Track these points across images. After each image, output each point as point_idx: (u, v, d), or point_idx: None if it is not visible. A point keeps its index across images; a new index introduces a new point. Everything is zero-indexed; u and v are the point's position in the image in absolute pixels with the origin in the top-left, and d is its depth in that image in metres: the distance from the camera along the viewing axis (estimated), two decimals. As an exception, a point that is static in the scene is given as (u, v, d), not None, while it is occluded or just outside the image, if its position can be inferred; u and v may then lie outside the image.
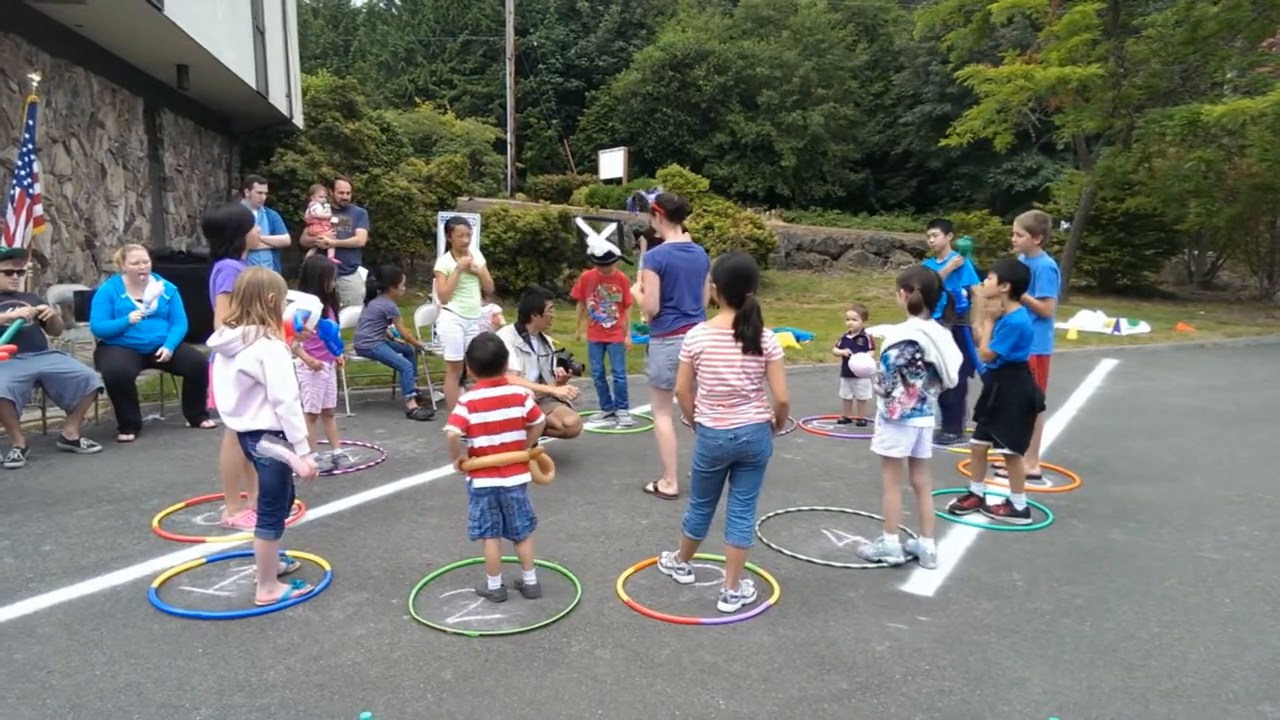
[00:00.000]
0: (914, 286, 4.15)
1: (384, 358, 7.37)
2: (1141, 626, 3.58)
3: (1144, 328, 13.70)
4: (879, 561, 4.16)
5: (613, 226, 6.77)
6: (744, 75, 29.11)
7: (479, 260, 6.88)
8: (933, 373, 4.10)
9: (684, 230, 5.32)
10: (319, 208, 8.79)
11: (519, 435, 3.73)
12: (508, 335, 5.65)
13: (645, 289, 5.11)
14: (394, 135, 16.67)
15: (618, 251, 6.71)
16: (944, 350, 4.10)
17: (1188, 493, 5.50)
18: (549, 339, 6.14)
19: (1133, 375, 10.10)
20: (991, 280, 4.89)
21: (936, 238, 6.64)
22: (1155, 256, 19.63)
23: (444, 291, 6.65)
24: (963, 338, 6.41)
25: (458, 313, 6.71)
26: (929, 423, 4.16)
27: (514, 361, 5.14)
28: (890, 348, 4.18)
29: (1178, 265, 22.33)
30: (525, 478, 3.75)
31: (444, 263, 6.70)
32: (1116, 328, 13.51)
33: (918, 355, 4.08)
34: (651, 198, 5.26)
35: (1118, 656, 3.32)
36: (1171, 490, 5.55)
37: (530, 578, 3.77)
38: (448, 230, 6.83)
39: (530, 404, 3.79)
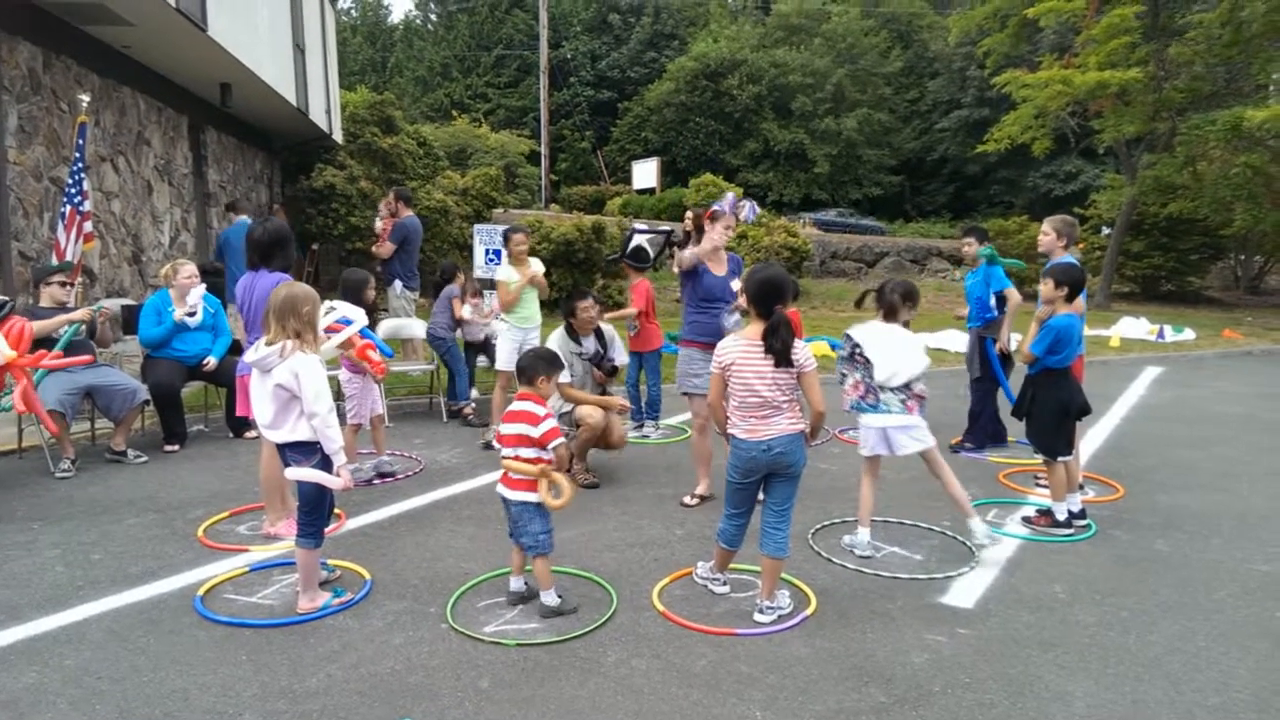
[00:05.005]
0: (883, 291, 4.49)
1: (449, 354, 7.40)
2: (1188, 640, 3.51)
3: (1189, 334, 13.42)
4: (850, 549, 4.39)
5: (663, 237, 6.78)
6: (777, 83, 29.12)
7: (538, 268, 6.64)
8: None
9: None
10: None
11: (534, 453, 3.62)
12: (557, 340, 5.68)
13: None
14: (430, 149, 16.91)
15: (649, 249, 6.69)
16: (880, 348, 4.27)
17: (1236, 503, 5.37)
18: (612, 335, 6.10)
19: (1178, 383, 9.88)
20: (1048, 285, 4.78)
21: (970, 247, 6.43)
22: (1200, 262, 19.21)
23: (506, 302, 6.43)
24: (985, 349, 6.30)
25: (512, 323, 6.51)
26: (888, 421, 4.30)
27: (565, 373, 5.17)
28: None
29: (1223, 270, 21.84)
30: (526, 495, 3.62)
31: (506, 272, 6.47)
32: (1160, 335, 13.24)
33: (856, 350, 4.34)
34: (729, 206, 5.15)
35: (1163, 670, 3.25)
36: (1219, 500, 5.42)
37: (545, 597, 3.65)
38: (506, 240, 6.59)
39: (547, 425, 3.60)
